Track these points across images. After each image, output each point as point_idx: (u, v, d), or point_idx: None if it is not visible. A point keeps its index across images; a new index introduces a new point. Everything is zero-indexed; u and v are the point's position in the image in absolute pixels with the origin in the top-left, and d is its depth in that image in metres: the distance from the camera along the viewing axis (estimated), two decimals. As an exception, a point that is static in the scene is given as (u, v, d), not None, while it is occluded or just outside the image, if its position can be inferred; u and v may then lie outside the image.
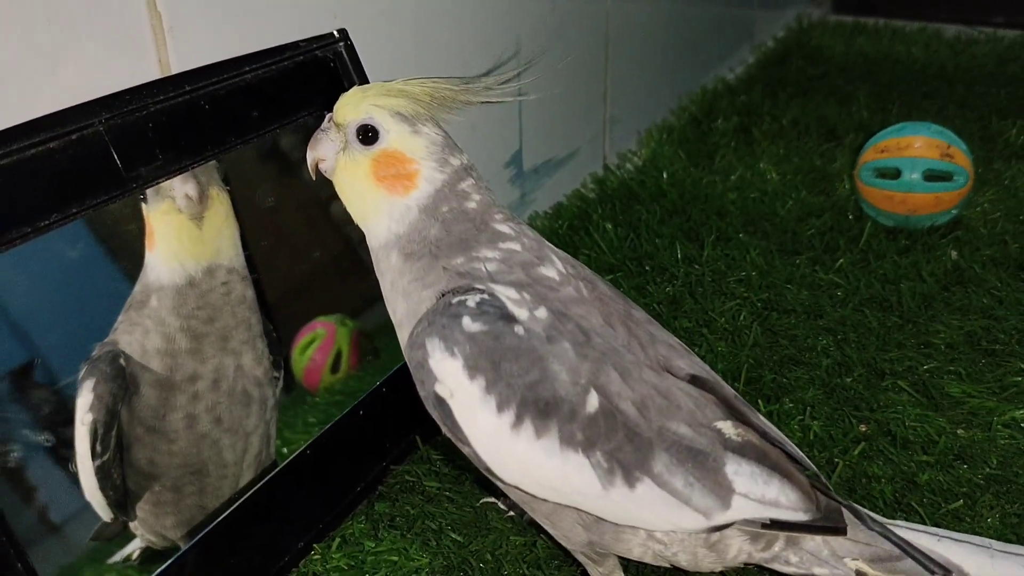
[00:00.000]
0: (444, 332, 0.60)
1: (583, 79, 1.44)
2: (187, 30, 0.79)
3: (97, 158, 0.69)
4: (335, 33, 0.88)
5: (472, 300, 0.61)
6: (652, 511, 0.62)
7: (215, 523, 0.75)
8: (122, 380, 0.72)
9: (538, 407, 0.60)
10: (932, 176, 1.24)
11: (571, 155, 1.45)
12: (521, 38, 1.24)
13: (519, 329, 0.61)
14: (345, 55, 0.88)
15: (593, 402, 0.60)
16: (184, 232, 0.76)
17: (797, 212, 1.35)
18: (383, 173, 0.64)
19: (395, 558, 0.79)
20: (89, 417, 0.70)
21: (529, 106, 1.28)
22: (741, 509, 0.62)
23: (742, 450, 0.63)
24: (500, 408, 0.60)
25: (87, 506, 0.72)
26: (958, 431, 0.90)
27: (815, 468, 0.68)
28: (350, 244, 0.93)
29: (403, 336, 0.66)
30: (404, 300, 0.65)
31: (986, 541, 0.68)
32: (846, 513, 0.65)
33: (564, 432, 0.60)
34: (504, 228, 0.66)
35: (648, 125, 1.68)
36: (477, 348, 0.60)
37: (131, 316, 0.74)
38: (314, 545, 0.81)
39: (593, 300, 0.66)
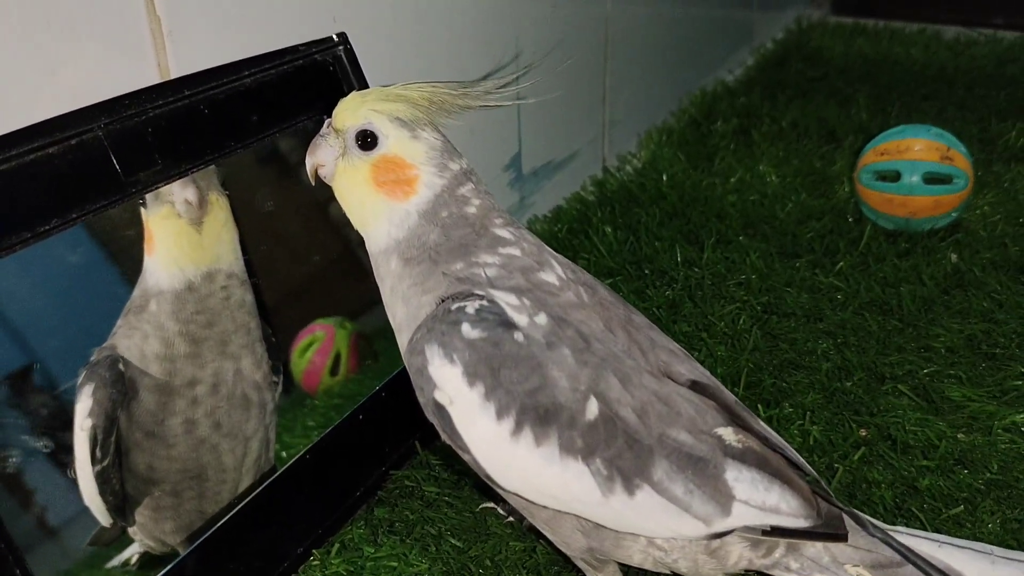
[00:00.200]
0: (443, 339, 0.60)
1: (582, 81, 1.44)
2: (186, 34, 0.79)
3: (96, 163, 0.69)
4: (334, 37, 0.88)
5: (471, 306, 0.61)
6: (652, 518, 0.62)
7: (214, 528, 0.75)
8: (121, 385, 0.72)
9: (538, 414, 0.60)
10: (932, 179, 1.24)
11: (570, 158, 1.45)
12: (520, 41, 1.24)
13: (518, 336, 0.60)
14: (344, 59, 0.88)
15: (593, 409, 0.60)
16: (183, 237, 0.76)
17: (797, 215, 1.35)
18: (383, 178, 0.64)
19: (394, 563, 0.79)
20: (89, 422, 0.70)
21: (528, 109, 1.28)
22: (741, 516, 0.62)
23: (743, 456, 0.63)
24: (499, 415, 0.60)
25: (85, 511, 0.71)
26: (958, 435, 0.90)
27: (816, 474, 0.68)
28: (349, 247, 0.93)
29: (403, 341, 0.65)
30: (404, 305, 0.65)
31: (987, 547, 0.67)
32: (847, 519, 0.65)
33: (564, 439, 0.60)
34: (504, 233, 0.66)
35: (647, 127, 1.68)
36: (476, 355, 0.60)
37: (130, 320, 0.74)
38: (313, 550, 0.81)
39: (593, 305, 0.66)
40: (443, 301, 0.62)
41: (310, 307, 0.93)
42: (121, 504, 0.74)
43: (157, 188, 0.73)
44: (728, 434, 0.63)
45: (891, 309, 1.11)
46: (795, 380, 0.99)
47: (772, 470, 0.63)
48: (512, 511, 0.83)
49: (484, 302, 0.61)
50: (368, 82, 0.89)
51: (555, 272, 0.66)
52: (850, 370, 1.01)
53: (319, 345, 0.92)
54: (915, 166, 1.24)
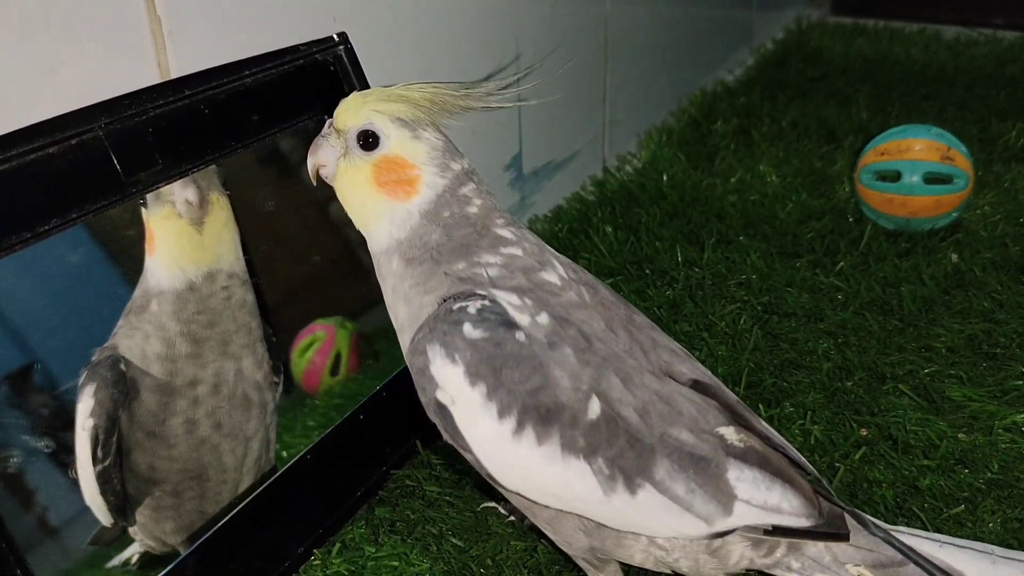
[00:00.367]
0: (445, 339, 0.60)
1: (583, 82, 1.44)
2: (187, 34, 0.79)
3: (97, 163, 0.69)
4: (335, 37, 0.88)
5: (473, 306, 0.61)
6: (653, 518, 0.61)
7: (215, 528, 0.75)
8: (123, 385, 0.72)
9: (539, 414, 0.60)
10: (932, 179, 1.24)
11: (571, 158, 1.45)
12: (520, 41, 1.24)
13: (520, 335, 0.60)
14: (345, 59, 0.88)
15: (595, 408, 0.60)
16: (184, 237, 0.76)
17: (797, 215, 1.35)
18: (384, 179, 0.64)
19: (395, 563, 0.79)
20: (90, 422, 0.70)
21: (529, 109, 1.28)
22: (743, 515, 0.62)
23: (744, 456, 0.63)
24: (501, 415, 0.60)
25: (86, 511, 0.71)
26: (959, 435, 0.90)
27: (817, 473, 0.67)
28: (349, 247, 0.93)
29: (405, 341, 0.65)
30: (405, 305, 0.65)
31: (988, 547, 0.67)
32: (848, 519, 0.65)
33: (566, 439, 0.60)
34: (505, 233, 0.66)
35: (648, 127, 1.68)
36: (478, 355, 0.60)
37: (131, 321, 0.74)
38: (314, 550, 0.81)
39: (595, 305, 0.66)
40: (445, 301, 0.62)
41: (310, 307, 0.93)
42: (122, 504, 0.74)
43: (158, 188, 0.73)
44: (730, 433, 0.63)
45: (892, 309, 1.11)
46: (796, 380, 0.99)
47: (774, 469, 0.63)
48: (514, 510, 0.83)
49: (486, 302, 0.61)
50: (369, 82, 0.89)
51: (557, 272, 0.66)
52: (851, 370, 1.01)
53: (319, 345, 0.92)
54: (915, 166, 1.24)
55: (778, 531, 0.63)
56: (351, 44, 0.88)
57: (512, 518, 0.84)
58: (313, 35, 0.87)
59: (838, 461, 0.88)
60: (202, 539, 0.74)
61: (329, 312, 0.93)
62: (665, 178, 1.46)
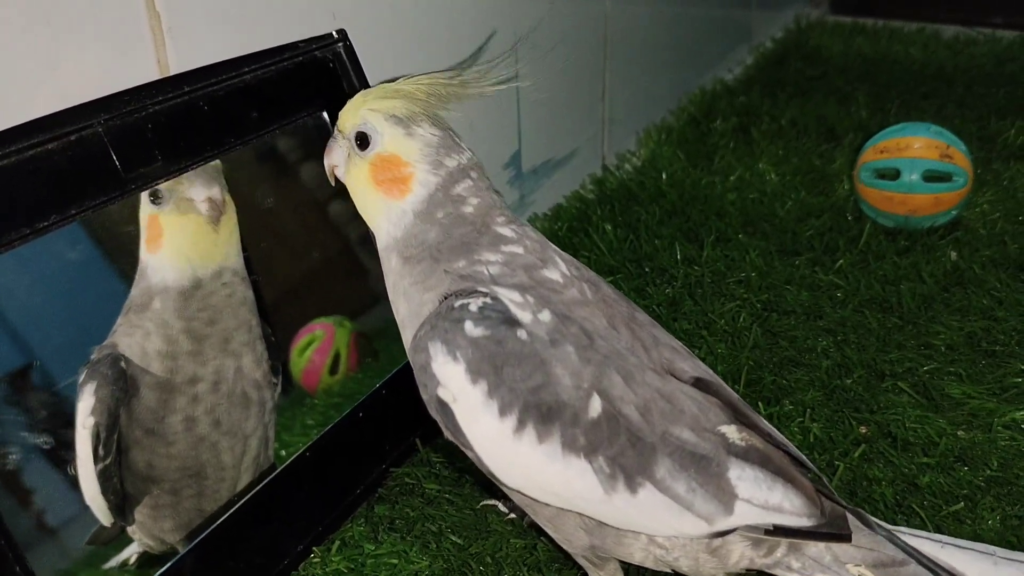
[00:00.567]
0: (446, 336, 0.60)
1: (582, 80, 1.44)
2: (186, 31, 0.78)
3: (96, 159, 0.69)
4: (334, 34, 0.88)
5: (475, 304, 0.61)
6: (654, 517, 0.61)
7: (213, 526, 0.75)
8: (123, 383, 0.72)
9: (540, 411, 0.59)
10: (931, 177, 1.24)
11: (570, 156, 1.45)
12: (520, 38, 1.24)
13: (522, 333, 0.60)
14: (344, 55, 0.88)
15: (596, 406, 0.60)
16: (201, 235, 0.76)
17: (796, 213, 1.34)
18: (381, 177, 0.65)
19: (395, 561, 0.79)
20: (91, 421, 0.70)
21: (528, 107, 1.28)
22: (744, 515, 0.62)
23: (746, 455, 0.63)
24: (502, 413, 0.59)
25: (84, 510, 0.71)
26: (958, 433, 0.90)
27: (818, 472, 0.67)
28: (348, 245, 0.93)
29: (407, 338, 0.66)
30: (405, 302, 0.65)
31: (990, 548, 0.67)
32: (850, 518, 0.65)
33: (566, 437, 0.60)
34: (506, 231, 0.66)
35: (647, 126, 1.68)
36: (480, 352, 0.59)
37: (131, 319, 0.74)
38: (313, 548, 0.81)
39: (597, 302, 0.65)
40: (446, 298, 0.62)
41: (309, 306, 0.92)
42: (121, 503, 0.73)
43: (157, 184, 0.73)
44: (731, 432, 0.63)
45: (891, 307, 1.11)
46: (795, 377, 0.99)
47: (775, 468, 0.63)
48: (513, 508, 0.83)
49: (487, 299, 0.61)
50: (368, 78, 0.89)
51: (559, 269, 0.66)
52: (850, 367, 1.01)
53: (318, 344, 0.92)
54: (915, 164, 1.24)
55: (779, 531, 0.63)
56: (350, 41, 0.88)
57: (512, 516, 0.83)
58: (312, 32, 0.87)
59: (837, 459, 0.88)
60: (200, 537, 0.74)
61: (328, 311, 0.93)
62: (664, 176, 1.46)
